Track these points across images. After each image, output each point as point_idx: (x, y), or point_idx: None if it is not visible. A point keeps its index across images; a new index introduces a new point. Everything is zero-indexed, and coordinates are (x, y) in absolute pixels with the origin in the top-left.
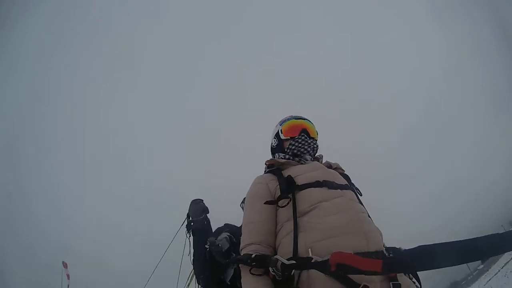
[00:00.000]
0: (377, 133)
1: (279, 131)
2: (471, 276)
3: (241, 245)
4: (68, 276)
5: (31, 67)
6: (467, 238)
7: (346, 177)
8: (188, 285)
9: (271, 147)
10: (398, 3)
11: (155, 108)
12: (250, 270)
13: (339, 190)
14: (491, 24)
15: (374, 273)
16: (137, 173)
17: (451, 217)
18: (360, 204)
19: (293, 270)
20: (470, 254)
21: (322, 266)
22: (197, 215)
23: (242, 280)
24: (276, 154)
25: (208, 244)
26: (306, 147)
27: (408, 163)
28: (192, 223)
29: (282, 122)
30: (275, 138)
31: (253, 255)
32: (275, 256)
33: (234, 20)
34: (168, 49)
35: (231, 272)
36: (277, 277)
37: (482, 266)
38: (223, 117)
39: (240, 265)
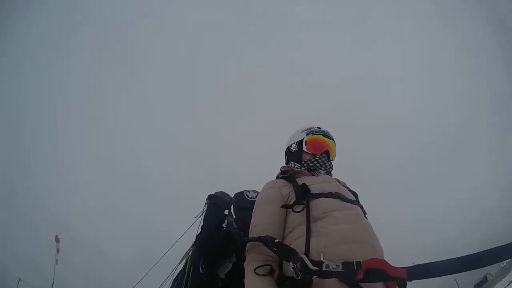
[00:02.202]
0: (377, 134)
1: (303, 142)
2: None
3: (247, 247)
4: (57, 250)
5: (37, 58)
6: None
7: (355, 194)
8: (180, 263)
9: (289, 150)
10: (399, 3)
11: (161, 103)
12: (254, 270)
13: (349, 203)
14: (494, 24)
15: (400, 279)
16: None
17: (450, 236)
18: (367, 220)
19: (314, 276)
20: (474, 263)
21: (348, 276)
22: (224, 198)
23: (245, 280)
24: (292, 162)
25: (226, 223)
26: (323, 167)
27: (411, 175)
28: (214, 198)
29: (309, 132)
30: (296, 144)
31: (276, 240)
32: (300, 255)
33: (233, 20)
34: (175, 45)
35: (228, 266)
36: (295, 276)
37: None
38: (222, 115)
39: (245, 264)
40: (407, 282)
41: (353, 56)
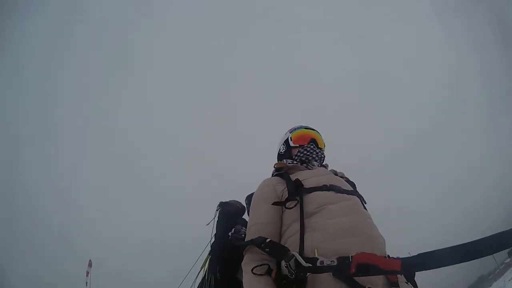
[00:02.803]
0: (377, 134)
1: (289, 139)
2: (498, 270)
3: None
4: (87, 273)
5: (36, 64)
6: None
7: (352, 184)
8: (198, 274)
9: (279, 153)
10: (398, 3)
11: (163, 102)
12: (252, 270)
13: (345, 194)
14: (492, 23)
15: (394, 272)
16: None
17: (450, 222)
18: (365, 210)
19: (308, 273)
20: (475, 252)
21: (340, 270)
22: (235, 204)
23: (243, 280)
24: (284, 160)
25: (233, 231)
26: (314, 155)
27: (409, 164)
28: (226, 205)
29: (292, 130)
30: (283, 144)
31: (267, 240)
32: (292, 252)
33: (233, 20)
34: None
35: None
36: (289, 275)
37: (509, 259)
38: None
39: (242, 264)
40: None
41: (353, 56)
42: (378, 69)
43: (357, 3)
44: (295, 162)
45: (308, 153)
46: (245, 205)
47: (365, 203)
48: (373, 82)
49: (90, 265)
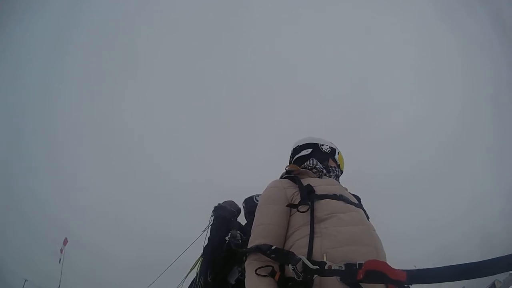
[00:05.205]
0: (382, 149)
1: (337, 152)
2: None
3: (249, 245)
4: (61, 250)
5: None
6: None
7: (357, 198)
8: (188, 274)
9: (319, 148)
10: (399, 3)
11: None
12: (255, 271)
13: (354, 206)
14: (496, 24)
15: (399, 282)
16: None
17: (446, 244)
18: (370, 223)
19: (315, 275)
20: (473, 272)
21: (348, 275)
22: (230, 208)
23: (246, 280)
24: (314, 159)
25: (230, 236)
26: (334, 176)
27: (408, 185)
28: (220, 209)
29: (338, 149)
30: (330, 148)
31: (273, 247)
32: (299, 256)
33: (233, 20)
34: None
35: (236, 272)
36: (296, 277)
37: None
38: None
39: (245, 264)
40: (409, 286)
41: (354, 57)
42: (380, 71)
43: (359, 3)
44: (323, 169)
45: (333, 174)
46: (241, 207)
47: (369, 218)
48: (374, 83)
49: (65, 243)
